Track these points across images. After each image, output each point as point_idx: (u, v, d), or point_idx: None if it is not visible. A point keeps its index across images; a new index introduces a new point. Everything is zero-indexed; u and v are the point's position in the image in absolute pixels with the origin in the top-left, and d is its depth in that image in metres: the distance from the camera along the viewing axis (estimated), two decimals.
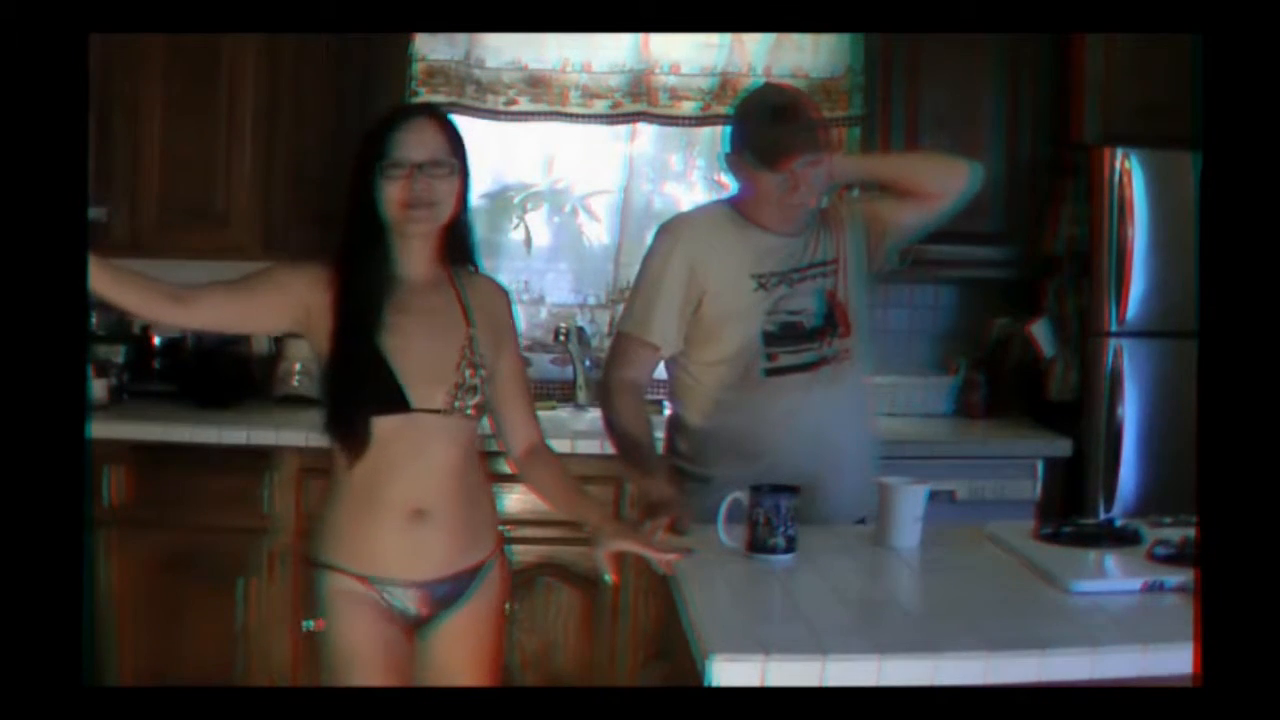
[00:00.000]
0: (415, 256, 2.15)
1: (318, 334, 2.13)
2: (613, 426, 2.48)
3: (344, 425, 2.10)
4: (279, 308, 2.16)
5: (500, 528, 2.30)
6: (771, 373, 2.46)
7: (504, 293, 2.31)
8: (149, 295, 2.06)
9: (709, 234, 2.51)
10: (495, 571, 2.24)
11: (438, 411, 2.10)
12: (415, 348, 2.11)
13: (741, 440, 2.46)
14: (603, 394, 2.55)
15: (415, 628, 2.17)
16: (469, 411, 2.14)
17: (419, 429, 2.10)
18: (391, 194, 2.08)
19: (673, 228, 2.59)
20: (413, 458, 2.10)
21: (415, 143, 2.09)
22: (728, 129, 2.54)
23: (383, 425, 2.09)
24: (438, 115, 2.17)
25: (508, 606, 2.27)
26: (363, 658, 2.10)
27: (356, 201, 2.11)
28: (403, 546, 2.11)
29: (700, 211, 2.76)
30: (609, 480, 3.27)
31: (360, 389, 2.09)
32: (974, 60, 3.72)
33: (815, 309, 2.48)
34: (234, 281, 2.17)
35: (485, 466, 2.28)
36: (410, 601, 2.14)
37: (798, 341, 2.46)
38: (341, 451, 2.12)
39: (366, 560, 2.12)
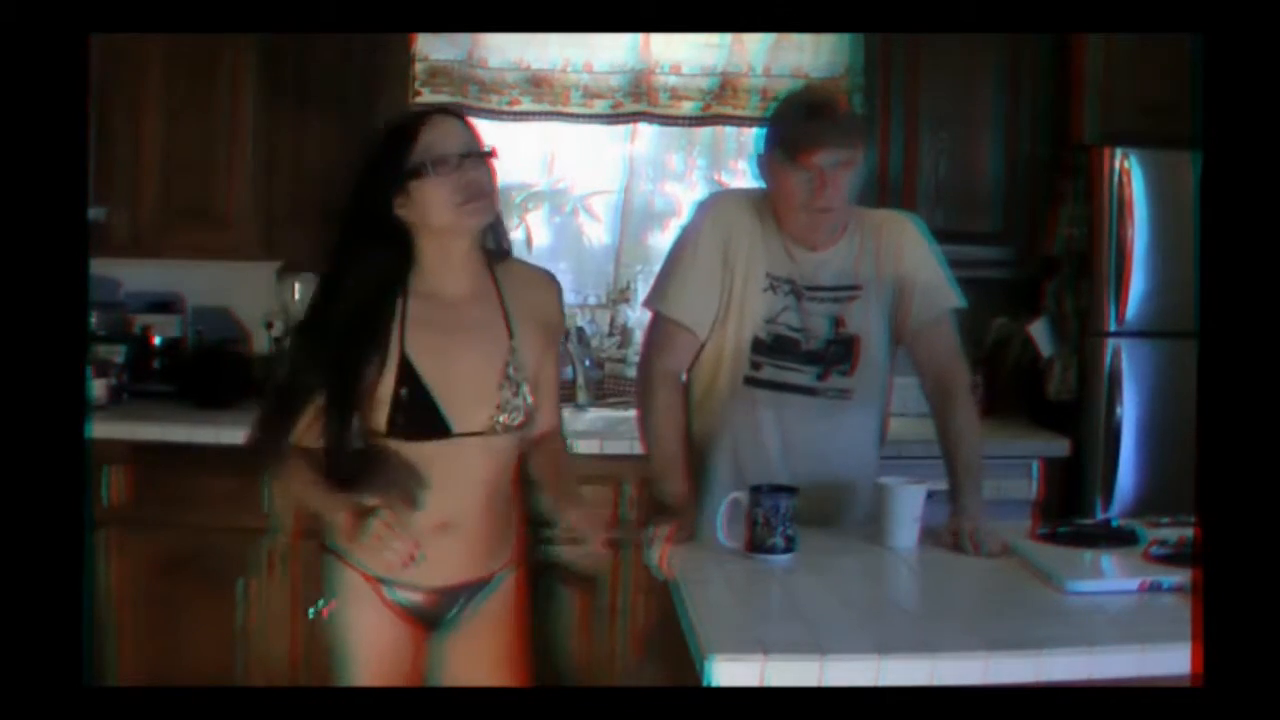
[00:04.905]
0: (455, 265, 2.06)
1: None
2: (644, 422, 2.36)
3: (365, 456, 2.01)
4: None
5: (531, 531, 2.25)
6: (750, 381, 2.36)
7: (553, 285, 2.23)
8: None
9: (747, 214, 2.38)
10: (511, 578, 2.21)
11: (479, 434, 2.06)
12: (456, 370, 2.04)
13: (714, 453, 2.39)
14: (640, 384, 2.40)
15: (426, 629, 2.15)
16: (510, 429, 2.09)
17: (459, 450, 2.05)
18: (440, 194, 1.98)
19: (712, 202, 2.50)
20: (448, 476, 2.05)
21: (449, 138, 2.01)
22: (762, 132, 2.41)
23: (420, 449, 2.04)
24: (454, 112, 2.09)
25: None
26: (365, 654, 2.11)
27: (375, 221, 2.00)
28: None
29: (742, 192, 2.65)
30: (608, 480, 3.28)
31: (400, 418, 2.01)
32: (974, 60, 3.72)
33: (819, 332, 2.36)
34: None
35: (516, 476, 2.22)
36: (420, 602, 2.12)
37: (787, 358, 2.35)
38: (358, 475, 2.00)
39: (380, 561, 2.00)
